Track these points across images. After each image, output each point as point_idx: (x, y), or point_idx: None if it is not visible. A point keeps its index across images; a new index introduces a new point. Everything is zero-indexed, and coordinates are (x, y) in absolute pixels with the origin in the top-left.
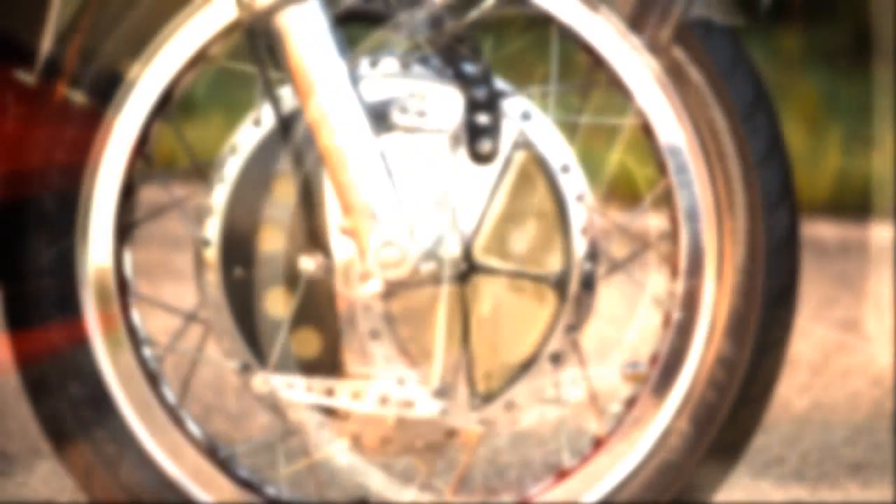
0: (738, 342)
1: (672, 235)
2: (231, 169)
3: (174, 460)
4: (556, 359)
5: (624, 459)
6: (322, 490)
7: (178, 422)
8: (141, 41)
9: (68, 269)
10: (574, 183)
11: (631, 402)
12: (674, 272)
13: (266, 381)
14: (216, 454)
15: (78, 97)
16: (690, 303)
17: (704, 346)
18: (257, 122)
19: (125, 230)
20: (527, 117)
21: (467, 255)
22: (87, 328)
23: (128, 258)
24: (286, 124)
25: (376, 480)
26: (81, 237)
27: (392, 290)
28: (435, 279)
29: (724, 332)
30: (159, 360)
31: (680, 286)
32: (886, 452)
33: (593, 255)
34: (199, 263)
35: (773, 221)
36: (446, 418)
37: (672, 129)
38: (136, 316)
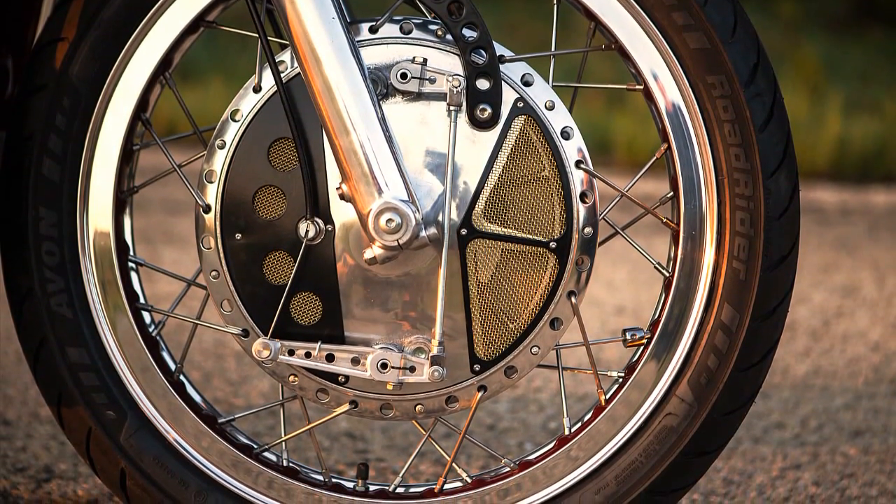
0: (737, 308)
1: (672, 201)
2: (231, 135)
3: (174, 426)
4: (556, 324)
5: (624, 425)
6: (322, 455)
7: (178, 387)
8: (141, 5)
9: (69, 234)
10: (574, 149)
11: (631, 368)
12: (674, 238)
13: (266, 347)
14: (216, 420)
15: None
16: (690, 268)
17: (704, 312)
18: (257, 89)
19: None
20: (527, 83)
21: (467, 220)
22: (86, 293)
23: (127, 224)
24: (286, 90)
25: (376, 446)
26: (82, 202)
27: (392, 255)
28: (435, 245)
29: (723, 297)
30: (159, 326)
31: (680, 252)
32: (885, 417)
33: (593, 220)
34: (200, 229)
35: (772, 186)
36: (446, 384)
37: (672, 95)
38: (135, 281)
